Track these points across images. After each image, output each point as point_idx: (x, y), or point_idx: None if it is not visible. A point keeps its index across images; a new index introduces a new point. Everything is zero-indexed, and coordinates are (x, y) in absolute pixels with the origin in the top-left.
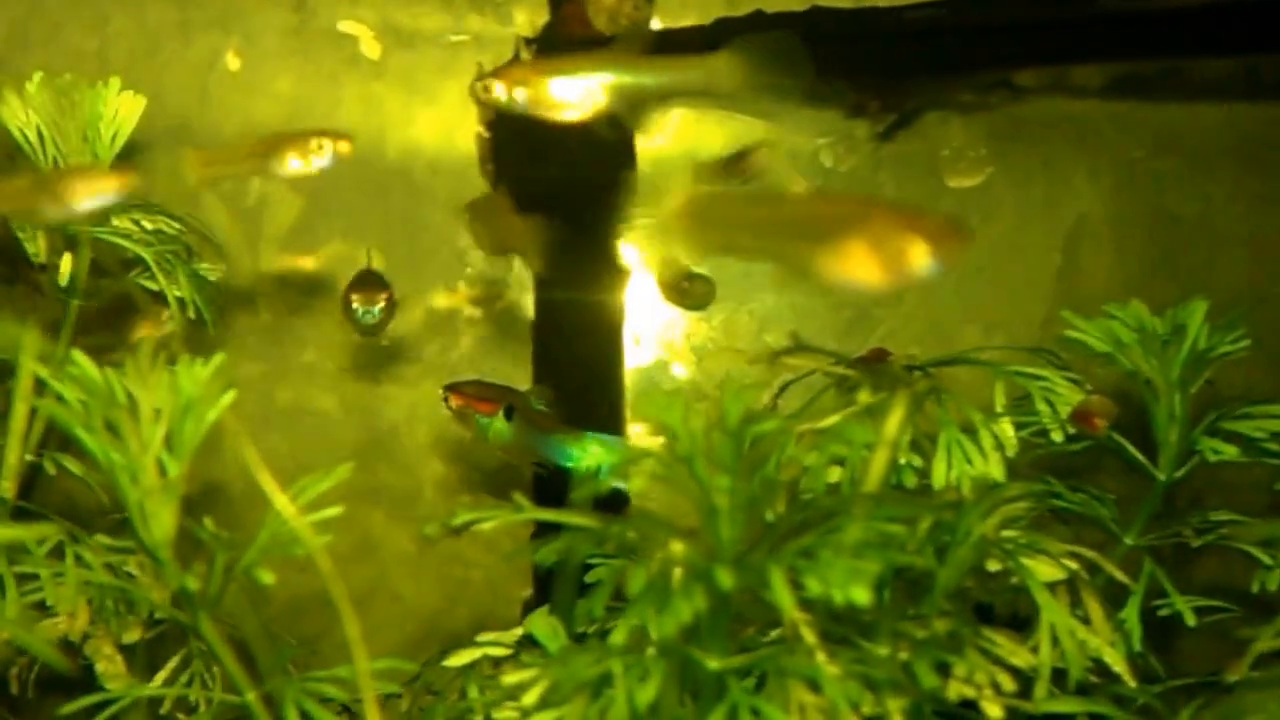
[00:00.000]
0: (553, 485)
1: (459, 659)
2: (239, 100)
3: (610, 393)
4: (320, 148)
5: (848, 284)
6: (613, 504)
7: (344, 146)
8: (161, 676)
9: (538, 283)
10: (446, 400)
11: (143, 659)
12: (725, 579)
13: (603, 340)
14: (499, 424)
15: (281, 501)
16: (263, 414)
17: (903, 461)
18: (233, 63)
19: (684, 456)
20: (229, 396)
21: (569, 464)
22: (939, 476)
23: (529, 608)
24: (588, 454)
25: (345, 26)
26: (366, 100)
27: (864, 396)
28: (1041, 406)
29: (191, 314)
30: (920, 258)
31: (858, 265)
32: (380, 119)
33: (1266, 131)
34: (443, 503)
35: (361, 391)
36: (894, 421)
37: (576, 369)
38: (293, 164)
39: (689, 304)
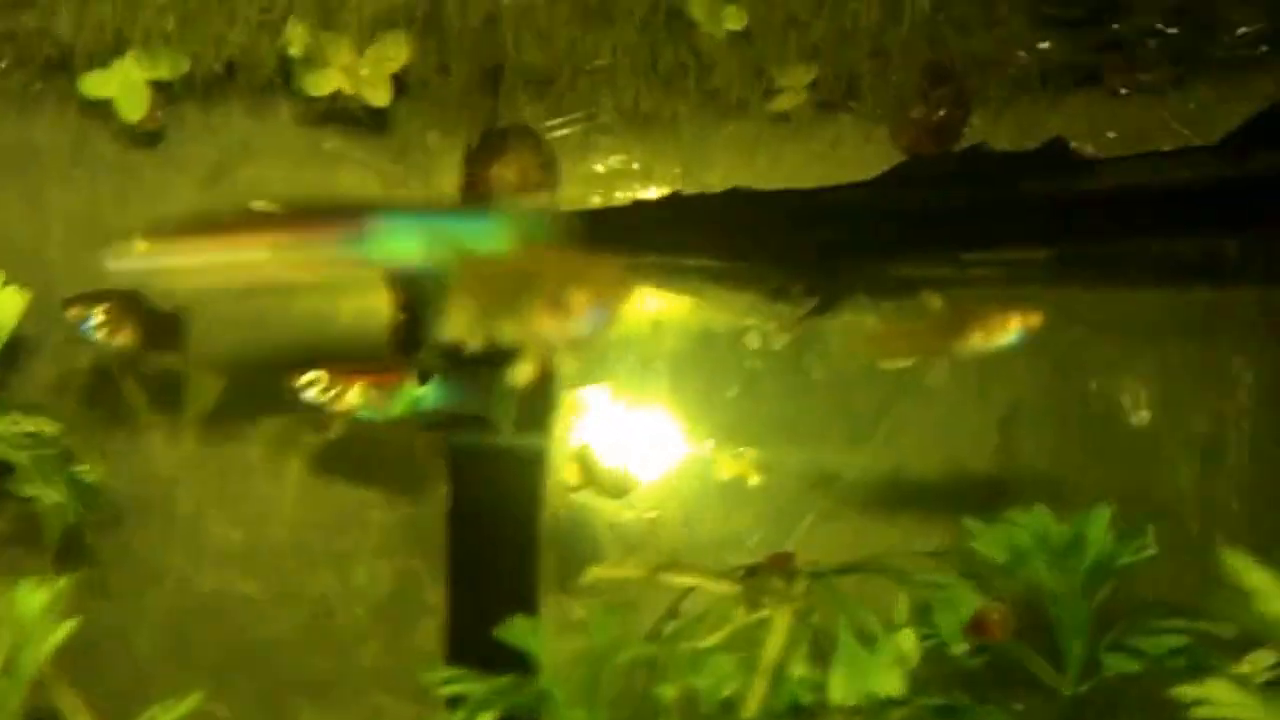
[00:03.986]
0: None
1: None
2: None
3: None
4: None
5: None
6: None
7: (1034, 320)
8: None
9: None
10: (316, 385)
11: None
12: None
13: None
14: (415, 391)
15: None
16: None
17: (799, 675)
18: None
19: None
20: (66, 628)
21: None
22: (836, 692)
23: None
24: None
25: None
26: None
27: (740, 616)
28: (939, 619)
29: (71, 518)
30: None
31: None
32: None
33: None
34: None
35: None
36: (774, 646)
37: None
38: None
39: (606, 493)
